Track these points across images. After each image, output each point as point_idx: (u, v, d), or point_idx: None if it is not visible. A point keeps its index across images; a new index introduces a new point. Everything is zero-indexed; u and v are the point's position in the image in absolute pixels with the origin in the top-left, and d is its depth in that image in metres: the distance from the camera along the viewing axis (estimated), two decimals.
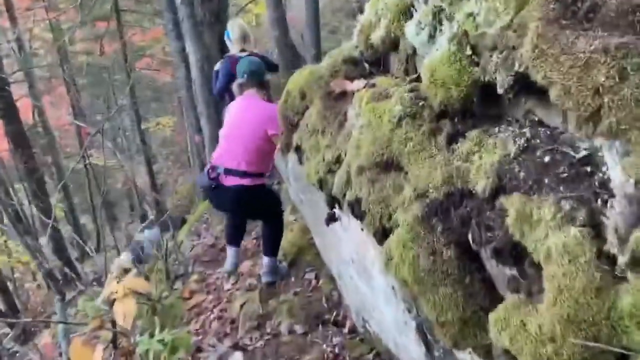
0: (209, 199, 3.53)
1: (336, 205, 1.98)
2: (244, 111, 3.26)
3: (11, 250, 13.65)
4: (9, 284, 12.65)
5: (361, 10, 2.27)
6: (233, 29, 4.98)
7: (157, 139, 16.91)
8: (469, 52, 1.46)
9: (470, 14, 1.47)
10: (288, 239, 3.95)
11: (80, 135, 12.81)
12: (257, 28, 10.52)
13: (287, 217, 4.30)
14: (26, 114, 11.98)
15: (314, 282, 3.35)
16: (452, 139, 1.51)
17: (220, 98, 5.11)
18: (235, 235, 3.73)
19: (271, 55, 9.24)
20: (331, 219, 2.03)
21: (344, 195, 1.80)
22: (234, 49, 5.04)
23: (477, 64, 1.45)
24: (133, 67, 10.98)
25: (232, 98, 3.78)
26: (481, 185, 1.35)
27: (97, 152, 15.31)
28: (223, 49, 5.64)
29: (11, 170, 11.63)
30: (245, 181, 3.12)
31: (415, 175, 1.54)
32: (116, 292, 2.57)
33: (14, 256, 13.73)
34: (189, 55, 5.71)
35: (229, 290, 3.83)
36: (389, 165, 1.64)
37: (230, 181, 3.13)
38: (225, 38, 5.08)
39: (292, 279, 3.52)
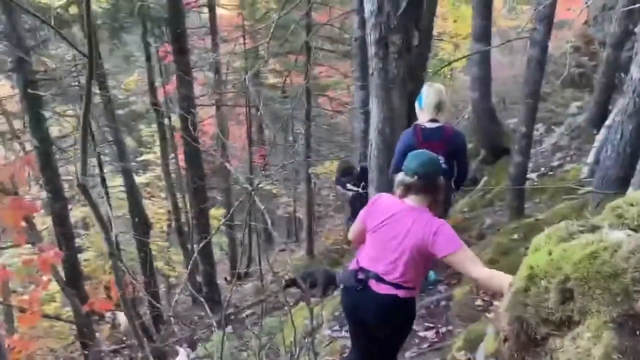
0: (347, 301, 2.94)
1: None
2: (406, 221, 2.68)
3: (171, 259, 14.37)
4: (162, 291, 13.20)
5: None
6: (428, 93, 4.06)
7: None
8: None
9: None
10: None
11: (251, 160, 12.96)
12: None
13: None
14: (208, 134, 12.45)
15: None
16: None
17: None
18: None
19: (459, 123, 8.17)
20: None
21: None
22: (422, 116, 4.12)
23: None
24: (315, 104, 10.69)
25: None
26: None
27: (266, 177, 15.63)
28: (411, 113, 4.76)
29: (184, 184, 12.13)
30: (400, 292, 2.68)
31: None
32: None
33: (171, 264, 14.42)
34: (371, 113, 4.91)
35: None
36: None
37: (382, 289, 2.70)
38: (416, 102, 4.18)
39: None
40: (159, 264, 13.81)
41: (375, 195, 3.04)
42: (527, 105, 4.55)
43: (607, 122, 5.26)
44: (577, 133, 6.13)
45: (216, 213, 15.49)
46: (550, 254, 1.32)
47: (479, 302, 4.09)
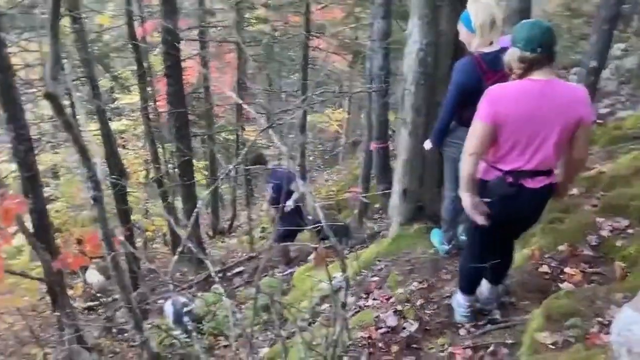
0: (501, 210, 2.66)
1: None
2: (550, 97, 2.40)
3: (148, 210, 13.46)
4: (139, 243, 12.34)
5: None
6: (477, 10, 3.16)
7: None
8: None
9: None
10: None
11: (240, 106, 11.93)
12: None
13: None
14: (191, 74, 11.37)
15: None
16: None
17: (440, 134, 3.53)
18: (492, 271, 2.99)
19: None
20: None
21: None
22: (473, 42, 3.24)
23: None
24: (308, 46, 9.66)
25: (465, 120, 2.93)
26: None
27: (252, 125, 14.59)
28: (458, 41, 3.91)
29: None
30: (552, 178, 2.62)
31: None
32: None
33: (149, 216, 13.54)
34: (408, 40, 4.04)
35: None
36: None
37: (538, 182, 2.58)
38: (459, 24, 3.30)
39: None
40: (136, 216, 12.92)
41: (487, 91, 2.52)
42: (601, 32, 3.72)
43: None
44: (627, 78, 5.37)
45: (196, 165, 14.53)
46: None
47: (545, 268, 3.38)
